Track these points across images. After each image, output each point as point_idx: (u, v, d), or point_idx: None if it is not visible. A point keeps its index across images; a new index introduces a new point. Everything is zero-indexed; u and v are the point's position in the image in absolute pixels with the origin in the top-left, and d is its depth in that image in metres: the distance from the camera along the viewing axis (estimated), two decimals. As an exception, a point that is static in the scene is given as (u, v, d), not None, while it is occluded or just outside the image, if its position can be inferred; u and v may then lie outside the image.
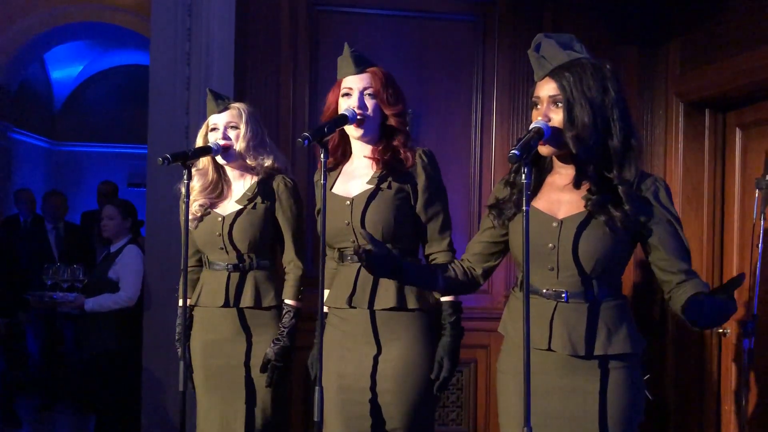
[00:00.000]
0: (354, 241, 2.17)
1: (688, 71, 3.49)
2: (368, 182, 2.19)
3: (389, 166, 2.17)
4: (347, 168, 2.28)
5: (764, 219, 2.91)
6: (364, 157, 2.23)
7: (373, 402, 2.13)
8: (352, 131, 2.19)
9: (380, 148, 2.19)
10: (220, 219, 2.51)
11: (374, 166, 2.19)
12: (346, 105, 2.16)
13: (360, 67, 2.19)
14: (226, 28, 3.43)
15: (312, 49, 3.55)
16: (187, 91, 3.47)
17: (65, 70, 8.75)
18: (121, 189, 8.61)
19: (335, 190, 2.24)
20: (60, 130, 9.16)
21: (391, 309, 2.13)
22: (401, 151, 2.17)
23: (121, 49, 8.22)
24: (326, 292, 2.23)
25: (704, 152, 3.54)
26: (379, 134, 2.21)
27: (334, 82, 3.52)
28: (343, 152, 2.28)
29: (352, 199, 2.18)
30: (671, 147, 3.61)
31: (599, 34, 3.69)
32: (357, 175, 2.23)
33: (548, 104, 1.76)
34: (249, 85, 3.43)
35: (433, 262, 2.21)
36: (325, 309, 2.25)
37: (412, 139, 2.24)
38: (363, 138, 2.20)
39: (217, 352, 2.50)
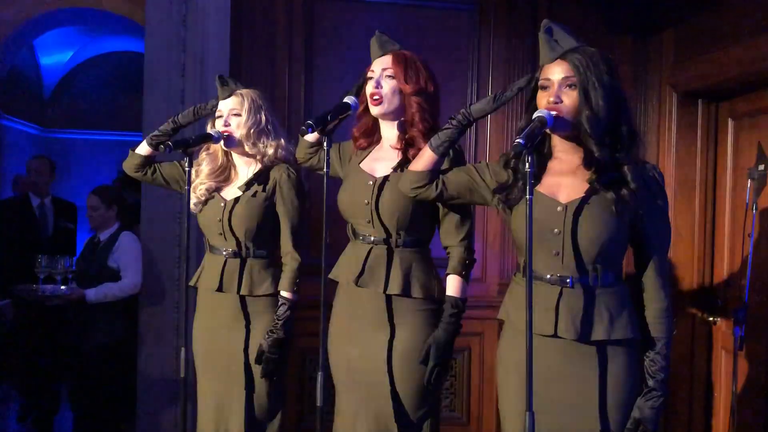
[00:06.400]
0: (369, 222, 2.19)
1: (681, 62, 3.51)
2: (394, 166, 2.21)
3: (409, 156, 2.17)
4: (378, 148, 2.30)
5: (756, 208, 2.95)
6: (390, 145, 2.25)
7: (381, 383, 2.16)
8: (374, 111, 2.21)
9: (399, 136, 2.21)
10: (222, 204, 2.51)
11: (399, 154, 2.22)
12: (369, 87, 2.20)
13: (383, 49, 2.23)
14: (221, 15, 3.42)
15: (308, 37, 3.55)
16: (182, 78, 3.46)
17: (55, 57, 8.66)
18: (111, 177, 8.57)
19: (363, 165, 2.27)
20: (50, 117, 9.08)
21: (397, 294, 2.16)
22: (419, 142, 2.16)
23: (111, 35, 8.14)
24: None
25: (697, 142, 3.57)
26: (404, 117, 2.22)
27: (329, 69, 3.55)
28: (380, 135, 2.30)
29: (376, 180, 2.20)
30: (664, 137, 3.64)
31: (594, 24, 3.71)
32: (385, 158, 2.25)
33: (560, 86, 1.77)
34: (245, 73, 3.41)
35: (448, 254, 2.22)
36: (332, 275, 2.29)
37: (438, 128, 2.20)
38: (383, 118, 2.23)
39: (217, 337, 2.51)
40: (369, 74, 2.22)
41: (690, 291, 3.57)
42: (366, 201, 2.18)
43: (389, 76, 2.19)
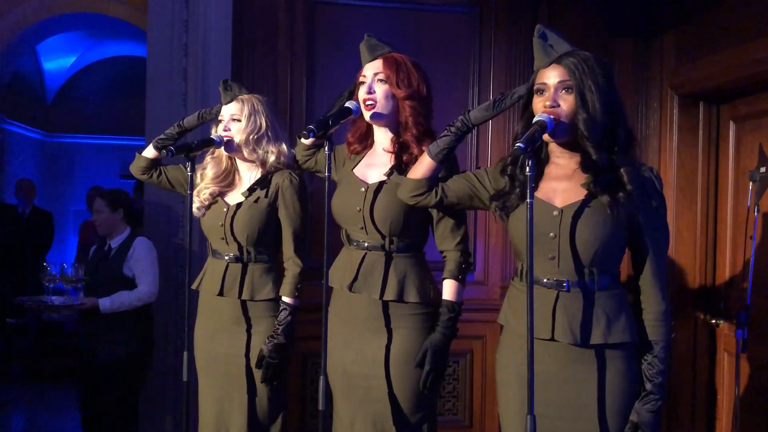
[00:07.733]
0: (363, 228, 2.19)
1: (682, 64, 3.51)
2: (385, 173, 2.21)
3: (403, 161, 2.18)
4: (371, 153, 2.30)
5: (758, 211, 2.95)
6: (383, 149, 2.25)
7: (378, 387, 2.17)
8: (367, 116, 2.20)
9: (392, 140, 2.21)
10: (225, 209, 2.52)
11: (392, 158, 2.21)
12: (361, 93, 2.19)
13: (374, 53, 2.21)
14: (223, 19, 3.42)
15: (309, 41, 3.55)
16: (185, 82, 3.47)
17: (58, 61, 8.72)
18: (114, 181, 8.60)
19: (356, 171, 2.27)
20: (53, 121, 9.13)
21: (393, 300, 2.16)
22: (412, 147, 2.17)
23: (113, 40, 8.19)
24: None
25: (698, 145, 3.56)
26: (397, 121, 2.21)
27: (330, 73, 3.56)
28: (374, 139, 2.30)
29: (368, 186, 2.20)
30: (665, 139, 3.63)
31: (594, 27, 3.71)
32: (377, 163, 2.25)
33: (556, 90, 1.77)
34: (246, 77, 3.42)
35: (444, 259, 2.22)
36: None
37: (433, 133, 2.20)
38: (376, 123, 2.22)
39: (218, 340, 2.52)
40: (360, 79, 2.21)
41: (692, 293, 3.57)
42: (358, 208, 2.18)
43: (381, 80, 2.18)
